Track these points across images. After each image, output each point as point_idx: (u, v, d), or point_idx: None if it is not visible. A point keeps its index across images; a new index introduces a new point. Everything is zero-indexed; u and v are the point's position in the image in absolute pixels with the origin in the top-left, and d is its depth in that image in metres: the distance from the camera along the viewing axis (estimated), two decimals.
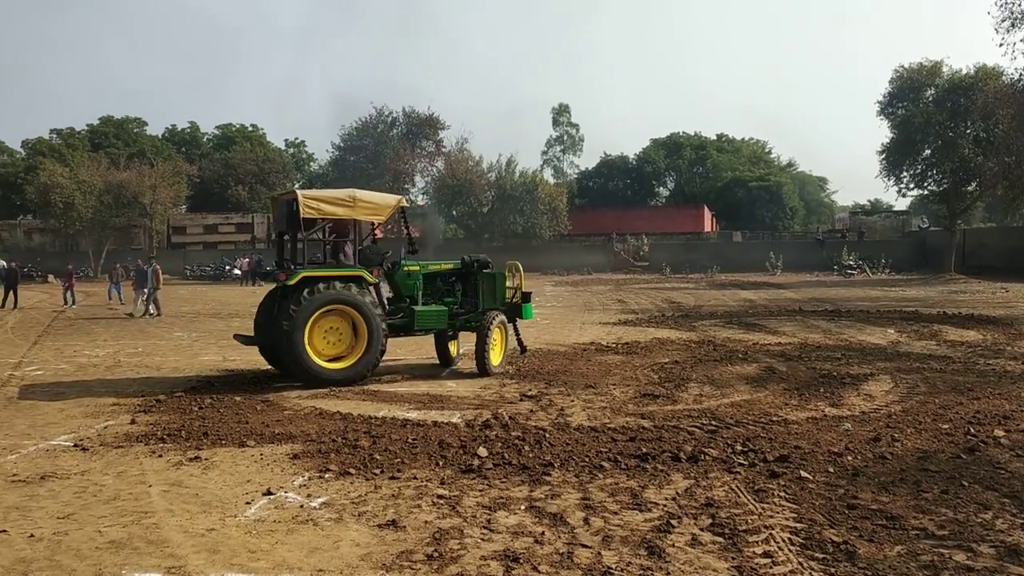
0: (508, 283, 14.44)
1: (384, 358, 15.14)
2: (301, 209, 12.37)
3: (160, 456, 8.38)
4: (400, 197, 13.62)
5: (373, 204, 13.05)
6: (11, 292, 29.68)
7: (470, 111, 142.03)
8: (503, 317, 13.67)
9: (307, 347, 12.21)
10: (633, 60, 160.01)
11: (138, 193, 55.02)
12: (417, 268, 13.70)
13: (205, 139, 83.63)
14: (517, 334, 14.46)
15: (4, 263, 36.52)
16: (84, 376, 13.79)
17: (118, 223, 56.74)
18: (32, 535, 6.09)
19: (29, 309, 29.07)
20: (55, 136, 77.55)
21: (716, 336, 17.79)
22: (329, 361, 12.46)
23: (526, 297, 14.48)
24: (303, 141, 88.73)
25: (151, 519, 6.43)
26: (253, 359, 15.27)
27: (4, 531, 6.17)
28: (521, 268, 14.81)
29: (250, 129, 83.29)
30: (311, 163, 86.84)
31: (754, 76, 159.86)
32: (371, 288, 12.92)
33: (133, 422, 9.99)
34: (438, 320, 13.42)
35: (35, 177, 58.03)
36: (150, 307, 25.71)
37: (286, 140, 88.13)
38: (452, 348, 14.54)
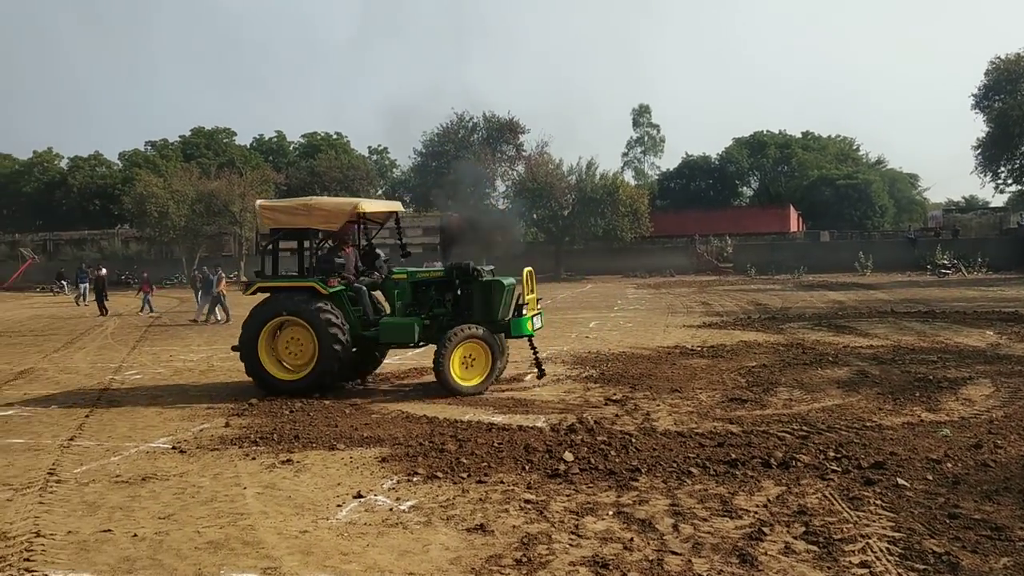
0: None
1: None
2: (259, 220, 12.52)
3: (254, 459, 8.60)
4: (358, 202, 13.09)
5: (326, 211, 12.80)
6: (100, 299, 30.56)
7: (537, 112, 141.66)
8: (479, 331, 12.03)
9: (262, 357, 12.36)
10: (712, 57, 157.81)
11: (228, 201, 56.60)
12: (404, 276, 12.90)
13: (291, 148, 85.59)
14: (535, 353, 13.06)
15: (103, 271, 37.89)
16: (180, 380, 14.26)
17: (209, 231, 58.50)
18: (135, 534, 6.32)
19: (127, 315, 30.13)
20: (150, 148, 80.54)
21: (805, 339, 17.39)
22: (292, 371, 12.45)
23: (518, 310, 12.61)
24: (385, 148, 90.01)
25: (247, 520, 6.60)
26: None
27: (109, 530, 6.41)
28: (532, 277, 13.04)
29: (334, 137, 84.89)
30: (394, 169, 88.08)
31: (842, 70, 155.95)
32: (338, 297, 12.51)
33: (227, 425, 10.28)
34: (404, 333, 12.52)
35: (131, 187, 60.50)
36: (216, 313, 26.12)
37: (369, 147, 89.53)
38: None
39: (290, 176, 70.79)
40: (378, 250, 13.73)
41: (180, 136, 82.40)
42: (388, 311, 13.20)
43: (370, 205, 13.31)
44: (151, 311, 30.36)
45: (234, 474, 8.02)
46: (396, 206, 14.14)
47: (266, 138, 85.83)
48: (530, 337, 12.79)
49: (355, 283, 12.96)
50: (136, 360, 17.18)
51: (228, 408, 11.47)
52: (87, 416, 11.22)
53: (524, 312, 12.54)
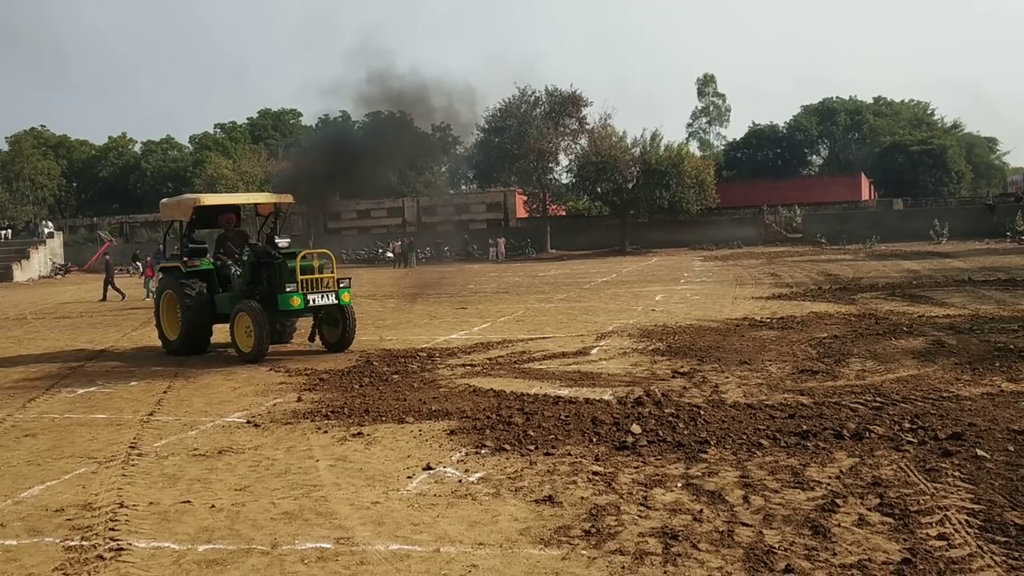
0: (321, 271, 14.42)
1: (535, 336, 15.39)
2: (161, 213, 16.56)
3: (325, 432, 8.76)
4: (198, 197, 15.93)
5: (183, 206, 15.62)
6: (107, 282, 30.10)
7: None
8: (243, 305, 13.85)
9: (162, 320, 15.30)
10: (779, 21, 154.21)
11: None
12: (246, 258, 14.72)
13: (356, 127, 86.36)
14: (315, 326, 14.92)
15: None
16: None
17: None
18: (213, 505, 6.50)
19: (131, 300, 29.23)
20: (219, 130, 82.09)
21: (878, 309, 17.00)
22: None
23: (276, 286, 14.00)
24: (448, 125, 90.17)
25: (320, 492, 6.74)
26: (408, 339, 15.74)
27: (188, 501, 6.61)
28: (330, 257, 14.75)
29: (398, 115, 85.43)
30: (457, 146, 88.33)
31: (916, 30, 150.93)
32: (207, 275, 14.97)
33: (299, 400, 10.49)
34: (227, 305, 14.57)
35: (202, 170, 61.78)
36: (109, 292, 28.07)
37: (432, 125, 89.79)
38: (330, 332, 14.82)
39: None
40: (278, 238, 15.04)
41: (248, 118, 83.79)
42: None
43: (211, 199, 16.07)
44: (147, 295, 28.60)
45: (307, 447, 8.19)
46: (283, 198, 15.96)
47: (331, 118, 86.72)
48: (309, 312, 14.30)
49: (230, 264, 15.03)
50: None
51: (300, 383, 11.69)
52: (165, 392, 11.56)
53: (283, 289, 13.74)
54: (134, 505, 6.56)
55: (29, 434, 9.30)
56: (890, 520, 5.57)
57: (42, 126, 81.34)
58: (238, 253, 15.11)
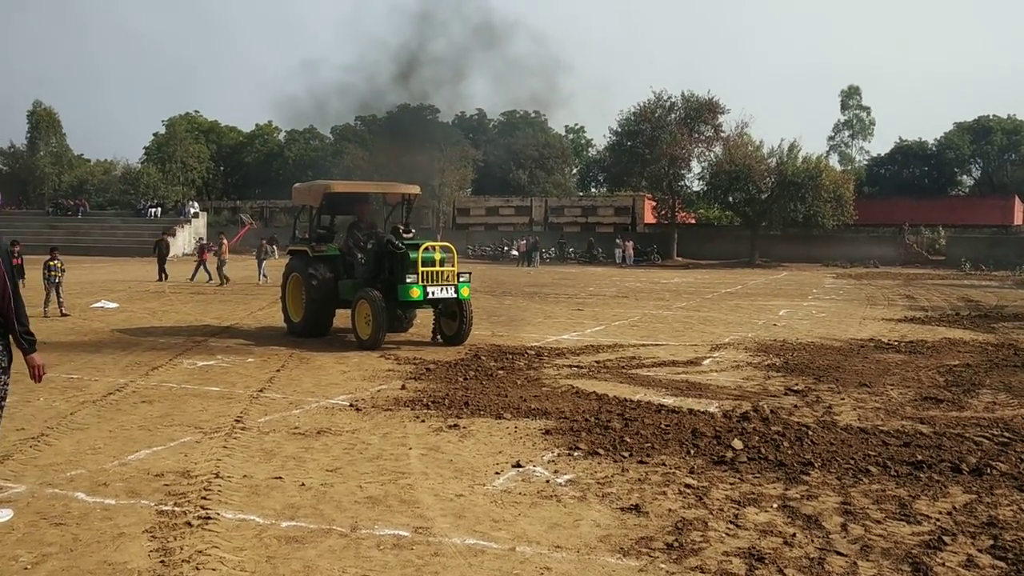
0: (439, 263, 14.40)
1: (648, 342, 15.11)
2: (293, 198, 17.21)
3: (423, 421, 8.80)
4: (328, 183, 15.88)
5: (313, 191, 15.99)
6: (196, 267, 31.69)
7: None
8: (364, 293, 14.10)
9: (288, 302, 15.99)
10: (933, 34, 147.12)
11: (428, 176, 58.59)
12: (371, 247, 15.00)
13: (491, 125, 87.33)
14: (434, 319, 14.94)
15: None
16: None
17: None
18: (303, 484, 6.61)
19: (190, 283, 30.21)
20: (359, 123, 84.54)
21: (1019, 340, 15.89)
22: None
23: (397, 276, 14.19)
24: (582, 127, 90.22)
25: (407, 480, 6.75)
26: (520, 336, 15.71)
27: (280, 478, 6.74)
28: (451, 250, 14.70)
29: (533, 116, 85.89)
30: (589, 148, 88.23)
31: None
32: (331, 260, 15.37)
33: (403, 388, 10.59)
34: (349, 292, 14.96)
35: (340, 160, 63.78)
36: (212, 275, 29.81)
37: (566, 126, 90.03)
38: (447, 325, 14.84)
39: (488, 153, 72.34)
40: (407, 229, 15.36)
41: (388, 112, 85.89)
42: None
43: (341, 186, 16.22)
44: (208, 279, 30.34)
45: (402, 434, 8.24)
46: (411, 189, 16.16)
47: (467, 115, 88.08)
48: (428, 304, 14.46)
49: (354, 250, 15.26)
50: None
51: (407, 372, 11.82)
52: (278, 371, 11.89)
53: (403, 280, 13.93)
54: (229, 477, 6.74)
55: (146, 400, 9.72)
56: (1002, 564, 5.14)
57: (196, 111, 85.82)
58: (363, 241, 15.39)
